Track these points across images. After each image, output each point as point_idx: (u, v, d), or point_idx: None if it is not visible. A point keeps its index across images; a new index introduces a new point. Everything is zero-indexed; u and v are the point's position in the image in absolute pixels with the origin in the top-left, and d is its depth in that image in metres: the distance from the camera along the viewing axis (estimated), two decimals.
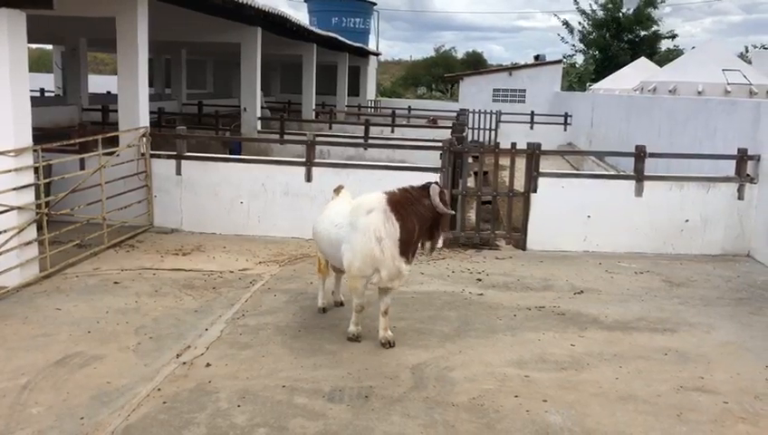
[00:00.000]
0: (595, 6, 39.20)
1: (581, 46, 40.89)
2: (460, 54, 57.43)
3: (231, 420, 4.32)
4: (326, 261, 6.24)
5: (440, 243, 5.90)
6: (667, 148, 12.02)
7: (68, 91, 21.42)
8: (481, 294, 7.04)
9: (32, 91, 7.04)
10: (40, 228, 7.12)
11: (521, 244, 9.05)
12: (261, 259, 8.13)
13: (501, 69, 34.62)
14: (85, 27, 15.75)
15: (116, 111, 10.01)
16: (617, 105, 18.34)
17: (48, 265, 7.12)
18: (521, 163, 9.04)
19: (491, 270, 7.99)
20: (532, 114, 25.57)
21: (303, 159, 9.27)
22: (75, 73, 20.54)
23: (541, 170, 8.97)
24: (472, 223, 9.47)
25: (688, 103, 12.69)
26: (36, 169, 7.04)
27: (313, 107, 20.82)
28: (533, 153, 8.92)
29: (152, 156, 9.28)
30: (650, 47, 38.39)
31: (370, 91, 32.00)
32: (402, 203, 5.37)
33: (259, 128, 15.75)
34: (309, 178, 9.19)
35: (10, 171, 6.59)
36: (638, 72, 24.07)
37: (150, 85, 9.87)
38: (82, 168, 8.61)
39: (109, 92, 23.93)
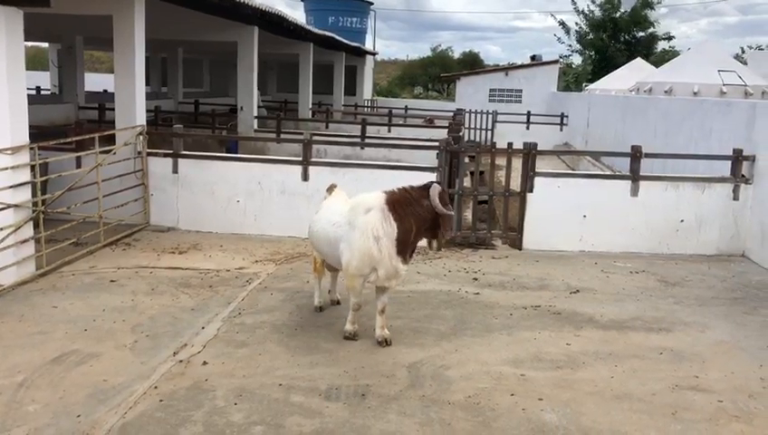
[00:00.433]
0: (593, 7, 39.33)
1: (578, 47, 40.99)
2: (457, 54, 57.58)
3: (228, 418, 4.33)
4: (322, 260, 6.25)
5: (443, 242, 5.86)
6: (662, 148, 12.07)
7: (64, 90, 21.38)
8: (477, 294, 7.06)
9: (28, 89, 7.03)
10: (36, 226, 7.11)
11: (517, 243, 9.07)
12: (257, 258, 8.14)
13: (497, 69, 34.66)
14: (82, 25, 15.72)
15: (112, 109, 10.01)
16: (613, 105, 18.39)
17: (44, 263, 7.12)
18: (517, 163, 9.06)
19: (487, 269, 8.02)
20: (529, 114, 25.60)
21: (300, 159, 9.27)
22: (71, 71, 20.51)
23: (537, 170, 8.99)
24: (468, 222, 9.50)
25: (684, 104, 12.74)
26: (33, 167, 7.03)
27: (310, 106, 20.82)
28: (530, 153, 8.94)
29: (149, 154, 9.28)
30: (647, 48, 38.48)
31: (367, 90, 31.98)
32: (401, 203, 5.38)
33: (256, 127, 15.74)
34: (305, 177, 9.20)
35: (7, 169, 6.59)
36: (634, 72, 24.13)
37: (147, 84, 9.87)
38: (79, 166, 8.60)
39: (105, 91, 23.89)
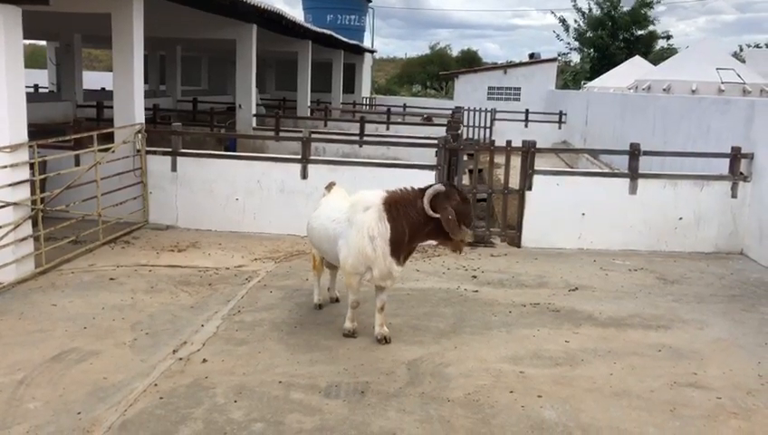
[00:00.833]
0: (592, 5, 39.32)
1: (577, 44, 41.00)
2: (455, 52, 57.54)
3: (228, 415, 4.33)
4: (320, 258, 6.25)
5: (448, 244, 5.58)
6: (660, 146, 12.09)
7: (62, 88, 21.35)
8: (476, 291, 7.07)
9: (26, 87, 7.03)
10: (35, 224, 7.11)
11: (516, 241, 9.09)
12: (256, 256, 8.14)
13: (496, 67, 34.65)
14: (80, 23, 15.71)
15: (111, 107, 10.00)
16: (611, 103, 18.39)
17: (43, 262, 7.12)
18: (516, 161, 9.07)
19: (486, 267, 8.03)
20: (527, 112, 25.60)
21: (299, 156, 9.28)
22: (69, 69, 20.49)
23: (536, 168, 9.00)
24: None
25: (682, 102, 12.75)
26: (32, 165, 7.03)
27: (308, 104, 20.81)
28: (529, 151, 8.95)
29: (147, 152, 9.27)
30: (645, 46, 38.49)
31: (365, 88, 31.97)
32: (396, 204, 5.33)
33: (254, 125, 15.74)
34: (304, 175, 9.20)
35: (6, 167, 6.58)
36: (633, 70, 24.14)
37: (145, 82, 9.86)
38: (78, 164, 8.60)
39: (103, 89, 23.86)
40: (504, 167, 9.28)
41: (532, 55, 34.14)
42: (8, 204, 6.64)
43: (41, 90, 25.09)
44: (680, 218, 9.00)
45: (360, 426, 4.26)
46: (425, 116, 20.50)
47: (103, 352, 5.20)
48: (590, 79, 33.31)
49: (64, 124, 13.65)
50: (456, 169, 9.40)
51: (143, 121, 9.47)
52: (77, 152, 8.51)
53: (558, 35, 42.31)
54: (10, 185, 6.64)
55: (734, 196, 8.98)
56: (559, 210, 8.94)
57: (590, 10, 39.37)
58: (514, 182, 9.18)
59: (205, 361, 5.12)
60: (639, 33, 39.14)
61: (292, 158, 9.44)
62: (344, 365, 5.14)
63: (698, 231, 9.03)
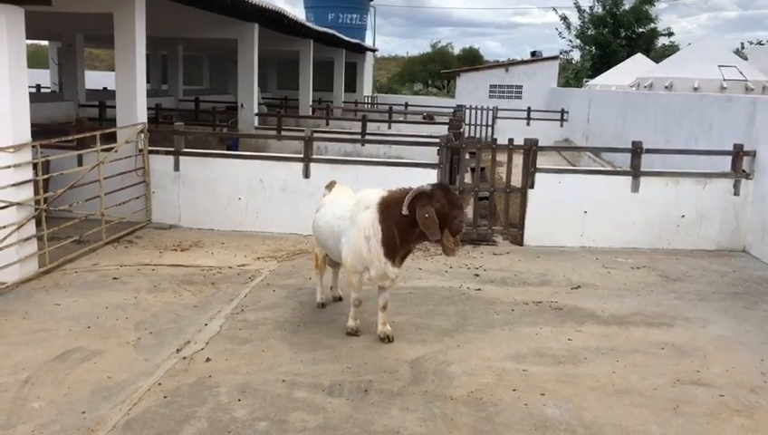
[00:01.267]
0: (593, 2, 39.25)
1: (578, 42, 40.93)
2: (456, 50, 57.48)
3: (232, 414, 4.35)
4: (323, 257, 6.27)
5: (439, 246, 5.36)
6: (662, 144, 12.08)
7: (64, 88, 21.37)
8: (479, 290, 7.08)
9: (28, 87, 7.04)
10: (38, 224, 7.12)
11: (518, 239, 9.09)
12: (259, 255, 8.15)
13: (497, 65, 34.62)
14: (82, 23, 15.71)
15: (113, 107, 10.01)
16: (613, 101, 18.38)
17: (47, 261, 7.13)
18: (518, 159, 9.07)
19: (488, 265, 8.03)
20: (529, 110, 25.59)
21: (301, 156, 9.29)
22: (71, 69, 20.50)
23: (537, 166, 9.00)
24: (469, 219, 9.49)
25: (684, 99, 12.73)
26: (35, 165, 7.05)
27: (310, 103, 20.81)
28: (531, 149, 8.95)
29: (150, 152, 9.29)
30: (647, 44, 38.43)
31: (367, 87, 31.96)
32: (388, 205, 5.28)
33: (256, 124, 15.74)
34: (307, 174, 9.21)
35: (9, 167, 6.59)
36: (635, 67, 24.10)
37: (147, 81, 9.86)
38: (80, 164, 8.61)
39: (105, 88, 23.90)
40: (506, 165, 9.29)
41: (533, 53, 34.12)
42: (12, 204, 6.66)
43: (43, 90, 25.11)
44: (682, 216, 9.00)
45: (364, 424, 4.27)
46: (424, 115, 20.49)
47: (107, 352, 5.22)
48: (592, 77, 33.27)
49: (67, 124, 13.65)
50: (458, 168, 9.41)
51: (145, 121, 9.49)
52: (80, 152, 8.52)
53: (560, 33, 42.11)
54: (13, 185, 6.66)
55: (736, 193, 8.98)
56: (561, 208, 8.94)
57: (592, 7, 39.35)
58: (516, 180, 9.19)
59: (208, 360, 5.13)
60: (641, 30, 39.05)
61: (295, 157, 9.45)
62: (347, 364, 5.15)
63: (700, 229, 9.03)
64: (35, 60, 41.14)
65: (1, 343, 5.32)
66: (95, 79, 27.27)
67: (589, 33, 39.63)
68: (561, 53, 39.00)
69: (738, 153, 8.98)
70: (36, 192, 7.06)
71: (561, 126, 24.92)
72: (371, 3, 36.42)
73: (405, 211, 5.11)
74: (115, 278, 7.01)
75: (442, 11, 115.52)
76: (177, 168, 9.34)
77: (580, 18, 40.02)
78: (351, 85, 28.78)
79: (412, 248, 5.60)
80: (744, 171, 8.98)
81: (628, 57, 29.94)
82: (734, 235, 9.04)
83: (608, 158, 16.03)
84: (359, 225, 5.38)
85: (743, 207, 8.99)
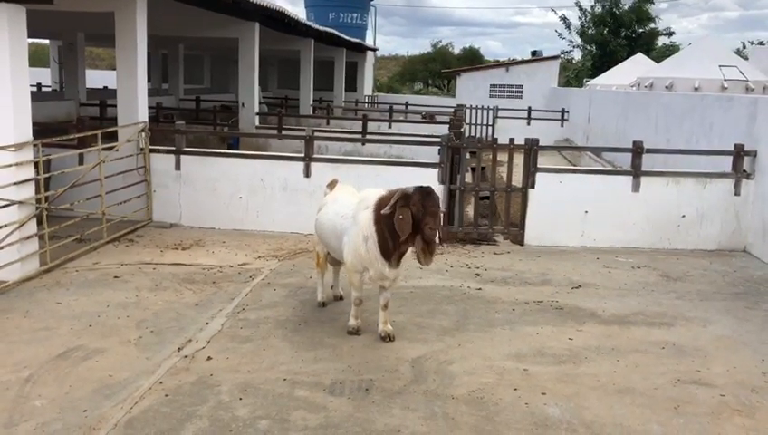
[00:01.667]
0: (593, 1, 39.24)
1: (579, 42, 40.94)
2: (457, 50, 57.46)
3: (233, 412, 4.35)
4: (324, 256, 6.28)
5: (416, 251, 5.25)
6: (663, 143, 12.08)
7: (65, 86, 21.38)
8: (479, 289, 7.08)
9: (29, 86, 7.05)
10: (40, 223, 7.13)
11: (519, 239, 9.09)
12: (260, 254, 8.16)
13: (498, 64, 34.65)
14: (83, 22, 15.70)
15: (114, 105, 10.01)
16: (613, 101, 18.38)
17: (48, 260, 7.14)
18: (518, 159, 9.08)
19: (489, 265, 8.04)
20: (530, 110, 25.59)
21: (302, 155, 9.29)
22: (73, 68, 20.51)
23: (538, 166, 9.00)
24: (470, 218, 9.52)
25: (685, 99, 12.73)
26: (36, 164, 7.05)
27: (311, 102, 20.81)
28: (531, 149, 8.95)
29: (151, 151, 9.29)
30: (648, 43, 38.43)
31: (368, 86, 31.97)
32: (382, 205, 5.25)
33: (257, 123, 15.75)
34: (308, 173, 9.21)
35: (10, 166, 6.61)
36: (635, 67, 24.10)
37: (148, 80, 9.86)
38: (81, 163, 8.61)
39: (106, 87, 23.90)
40: (507, 165, 9.29)
41: (534, 53, 34.14)
42: (13, 202, 6.67)
43: (44, 88, 25.12)
44: (683, 216, 9.00)
45: (365, 423, 4.27)
46: (423, 114, 20.49)
47: (109, 350, 5.22)
48: (593, 76, 33.28)
49: (68, 123, 13.68)
50: (458, 167, 9.41)
51: (146, 120, 9.49)
52: (81, 151, 8.53)
53: (559, 34, 42.17)
54: (15, 183, 6.67)
55: (737, 193, 8.98)
56: (562, 208, 8.94)
57: (592, 7, 39.34)
58: (517, 180, 9.19)
59: (209, 358, 5.14)
60: (641, 30, 39.06)
61: (295, 156, 9.45)
62: (348, 363, 5.15)
63: (701, 229, 9.03)
64: (36, 59, 41.15)
65: (3, 341, 5.33)
66: (96, 78, 27.29)
67: (589, 32, 39.64)
68: (561, 53, 39.04)
69: (739, 153, 8.98)
70: (37, 191, 7.07)
71: (562, 126, 24.93)
72: (372, 2, 36.42)
73: (387, 211, 5.10)
74: (116, 277, 7.02)
75: (443, 10, 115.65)
76: (178, 167, 9.34)
77: (580, 18, 40.07)
78: (352, 85, 28.78)
79: (406, 249, 5.45)
80: (744, 171, 8.98)
81: (628, 57, 29.94)
82: (735, 235, 9.04)
83: (608, 157, 16.03)
84: (359, 224, 5.39)
85: (743, 206, 8.99)
